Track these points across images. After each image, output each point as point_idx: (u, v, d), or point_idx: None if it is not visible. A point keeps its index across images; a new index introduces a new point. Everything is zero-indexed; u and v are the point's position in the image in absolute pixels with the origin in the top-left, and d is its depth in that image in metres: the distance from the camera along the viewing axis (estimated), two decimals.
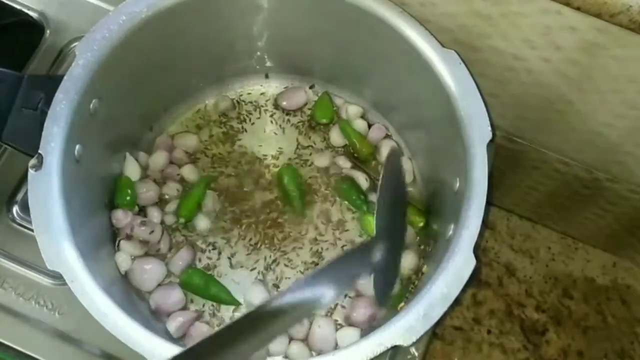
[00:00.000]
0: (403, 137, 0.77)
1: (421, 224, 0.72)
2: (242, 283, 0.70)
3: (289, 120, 0.78)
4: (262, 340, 0.45)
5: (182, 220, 0.71)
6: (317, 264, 0.71)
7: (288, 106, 0.78)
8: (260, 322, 0.44)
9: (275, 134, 0.77)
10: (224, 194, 0.74)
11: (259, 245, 0.72)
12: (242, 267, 0.71)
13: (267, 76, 0.79)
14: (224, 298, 0.68)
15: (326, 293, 0.48)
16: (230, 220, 0.73)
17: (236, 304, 0.69)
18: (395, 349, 0.52)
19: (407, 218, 0.70)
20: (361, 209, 0.73)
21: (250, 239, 0.72)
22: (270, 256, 0.71)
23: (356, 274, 0.52)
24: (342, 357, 0.51)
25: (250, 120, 0.78)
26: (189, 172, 0.74)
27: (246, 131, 0.77)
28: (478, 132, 0.59)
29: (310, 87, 0.79)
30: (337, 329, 0.67)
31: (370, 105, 0.78)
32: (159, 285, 0.68)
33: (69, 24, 0.79)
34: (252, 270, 0.71)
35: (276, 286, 0.70)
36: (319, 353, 0.66)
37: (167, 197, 0.73)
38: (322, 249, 0.72)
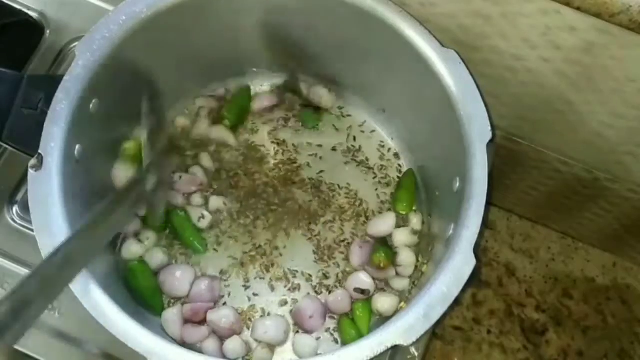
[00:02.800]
0: (402, 136, 0.77)
1: (404, 212, 0.73)
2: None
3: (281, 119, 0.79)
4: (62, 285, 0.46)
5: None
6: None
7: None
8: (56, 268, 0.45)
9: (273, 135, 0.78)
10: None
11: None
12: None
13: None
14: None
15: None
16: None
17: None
18: (395, 348, 0.53)
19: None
20: None
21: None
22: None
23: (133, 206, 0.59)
24: (343, 357, 0.51)
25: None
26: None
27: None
28: (478, 132, 0.60)
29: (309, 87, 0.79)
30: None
31: (370, 105, 0.78)
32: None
33: (69, 24, 0.79)
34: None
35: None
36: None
37: None
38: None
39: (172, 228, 0.71)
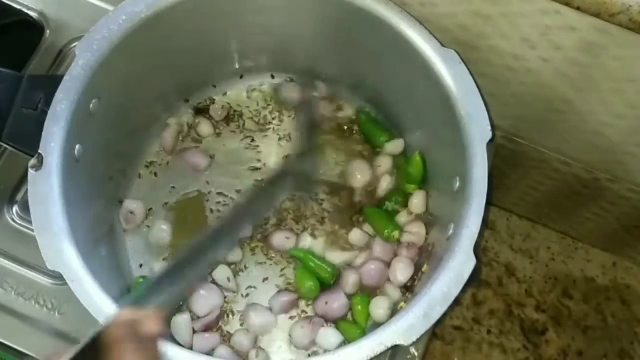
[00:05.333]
0: (403, 136, 0.77)
1: (413, 189, 0.73)
2: None
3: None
4: (203, 268, 0.50)
5: None
6: None
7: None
8: (201, 251, 0.48)
9: (278, 132, 0.78)
10: None
11: None
12: None
13: (272, 77, 0.79)
14: None
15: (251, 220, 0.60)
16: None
17: None
18: (395, 348, 0.53)
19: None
20: None
21: None
22: None
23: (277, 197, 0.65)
24: (343, 357, 0.51)
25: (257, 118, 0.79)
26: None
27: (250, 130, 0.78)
28: (478, 132, 0.60)
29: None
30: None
31: (370, 105, 0.78)
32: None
33: (69, 24, 0.79)
34: None
35: None
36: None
37: None
38: None
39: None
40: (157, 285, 0.44)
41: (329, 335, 0.67)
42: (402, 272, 0.69)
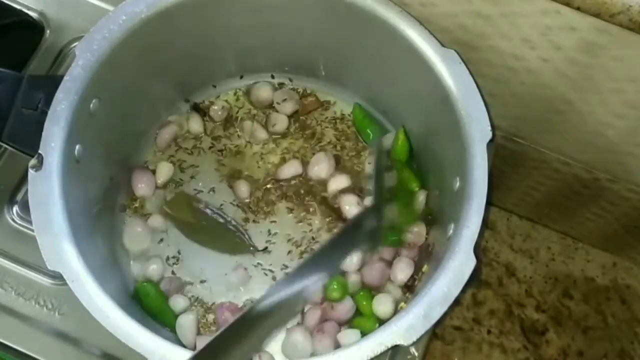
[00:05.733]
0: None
1: (416, 189, 0.72)
2: None
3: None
4: (261, 336, 0.45)
5: None
6: None
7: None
8: (259, 319, 0.46)
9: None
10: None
11: None
12: None
13: (272, 77, 0.79)
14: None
15: (318, 279, 0.54)
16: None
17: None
18: (395, 348, 0.53)
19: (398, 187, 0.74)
20: None
21: None
22: None
23: (347, 252, 0.61)
24: (343, 357, 0.51)
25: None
26: None
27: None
28: (478, 132, 0.60)
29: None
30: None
31: (370, 105, 0.78)
32: None
33: (69, 24, 0.79)
34: None
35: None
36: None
37: None
38: None
39: None
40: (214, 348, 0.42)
41: (350, 335, 0.66)
42: (402, 271, 0.69)
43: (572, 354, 1.06)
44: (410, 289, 0.69)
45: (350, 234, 0.61)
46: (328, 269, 0.56)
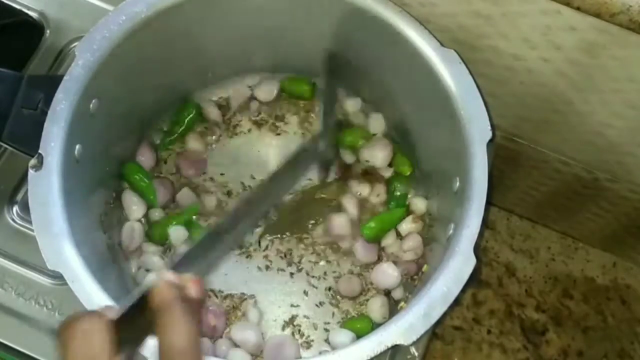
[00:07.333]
0: (402, 135, 0.77)
1: (408, 173, 0.74)
2: None
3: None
4: (239, 234, 0.52)
5: None
6: None
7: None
8: (237, 218, 0.50)
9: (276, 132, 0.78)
10: None
11: None
12: None
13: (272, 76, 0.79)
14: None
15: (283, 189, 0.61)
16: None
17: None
18: (395, 348, 0.53)
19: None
20: None
21: None
22: None
23: (297, 178, 0.65)
24: (343, 357, 0.51)
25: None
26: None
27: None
28: (478, 131, 0.60)
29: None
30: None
31: (370, 104, 0.77)
32: None
33: (69, 24, 0.79)
34: None
35: None
36: None
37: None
38: None
39: None
40: (192, 255, 0.44)
41: (340, 335, 0.67)
42: (402, 270, 0.70)
43: (572, 354, 1.06)
44: (410, 288, 0.70)
45: (300, 159, 0.63)
46: (282, 191, 0.62)
